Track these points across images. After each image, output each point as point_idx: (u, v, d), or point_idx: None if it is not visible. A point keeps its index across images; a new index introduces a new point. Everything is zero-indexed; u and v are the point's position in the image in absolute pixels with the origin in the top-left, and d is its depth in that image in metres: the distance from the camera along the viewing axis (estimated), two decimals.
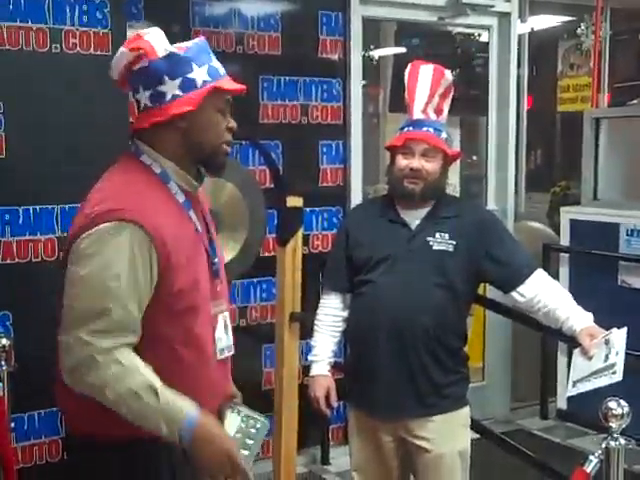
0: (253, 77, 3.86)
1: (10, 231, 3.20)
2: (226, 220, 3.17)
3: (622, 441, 2.09)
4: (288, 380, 3.42)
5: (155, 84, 1.80)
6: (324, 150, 4.12)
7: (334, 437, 4.23)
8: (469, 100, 5.15)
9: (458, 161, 4.71)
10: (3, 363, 2.76)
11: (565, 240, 4.55)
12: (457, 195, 4.28)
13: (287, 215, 3.38)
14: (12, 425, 3.00)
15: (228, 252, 3.21)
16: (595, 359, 2.30)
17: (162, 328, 1.80)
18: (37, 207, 3.24)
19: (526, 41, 5.32)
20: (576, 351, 2.38)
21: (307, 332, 3.91)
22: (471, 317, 3.96)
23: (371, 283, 2.52)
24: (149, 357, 1.75)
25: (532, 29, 5.56)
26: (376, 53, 5.36)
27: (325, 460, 4.12)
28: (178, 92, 1.79)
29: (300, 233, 3.42)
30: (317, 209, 4.09)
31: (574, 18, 5.97)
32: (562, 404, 4.64)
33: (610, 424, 2.09)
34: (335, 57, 4.10)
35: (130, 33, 3.44)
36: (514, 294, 2.52)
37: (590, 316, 2.44)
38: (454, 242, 2.48)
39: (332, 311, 2.69)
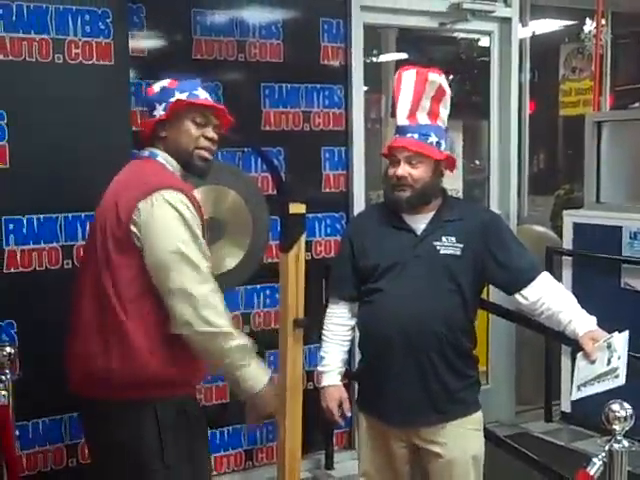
0: (255, 85, 3.89)
1: (14, 240, 3.22)
2: (229, 227, 3.19)
3: (625, 443, 2.09)
4: (292, 386, 3.42)
5: (151, 111, 2.37)
6: (326, 156, 4.13)
7: (338, 442, 4.24)
8: (471, 105, 5.16)
9: (460, 166, 4.75)
10: (8, 371, 2.77)
11: (568, 243, 4.55)
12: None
13: (290, 221, 3.38)
14: (17, 433, 3.02)
15: (231, 258, 3.22)
16: (598, 363, 2.30)
17: None
18: (40, 216, 3.25)
19: (528, 45, 5.34)
20: (579, 355, 2.37)
21: (311, 338, 3.93)
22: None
23: (379, 291, 2.50)
24: None
25: (533, 33, 5.57)
26: (377, 59, 5.37)
27: (329, 465, 4.12)
28: (162, 112, 2.34)
29: (303, 239, 3.42)
30: (320, 215, 4.10)
31: (575, 22, 5.98)
32: (566, 407, 4.64)
33: (613, 427, 2.09)
34: (337, 64, 4.12)
35: (132, 43, 3.47)
36: (517, 296, 2.51)
37: (593, 319, 2.43)
38: (461, 245, 2.47)
39: (340, 320, 2.67)
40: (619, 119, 4.79)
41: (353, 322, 2.66)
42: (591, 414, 3.91)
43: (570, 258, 4.49)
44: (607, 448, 2.10)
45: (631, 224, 4.26)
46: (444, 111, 2.57)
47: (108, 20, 3.32)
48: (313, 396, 3.96)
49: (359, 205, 4.22)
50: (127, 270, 2.17)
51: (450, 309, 2.46)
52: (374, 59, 5.25)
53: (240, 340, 2.23)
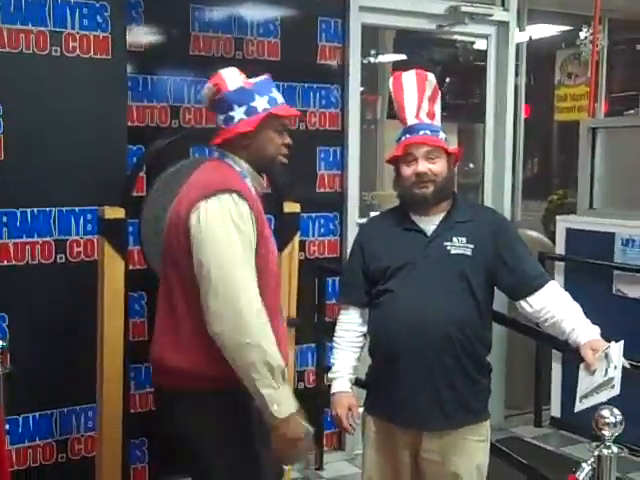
0: None
1: (7, 233, 3.20)
2: None
3: (614, 449, 2.09)
4: None
5: (227, 110, 2.32)
6: (322, 156, 4.13)
7: (328, 443, 4.24)
8: (467, 108, 5.17)
9: (455, 168, 4.75)
10: None
11: (561, 249, 4.57)
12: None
13: (284, 220, 3.39)
14: (7, 427, 3.01)
15: None
16: (597, 373, 2.28)
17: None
18: (35, 209, 3.24)
19: (524, 50, 5.35)
20: (581, 366, 2.34)
21: (303, 338, 3.93)
22: None
23: (389, 292, 2.48)
24: None
25: (530, 38, 5.59)
26: (374, 60, 5.38)
27: (319, 466, 4.11)
28: (244, 116, 2.31)
29: (297, 239, 3.43)
30: (314, 215, 4.10)
31: (572, 28, 6.00)
32: (556, 412, 4.65)
33: (603, 432, 2.09)
34: (334, 63, 4.12)
35: (130, 37, 3.47)
36: (522, 303, 2.49)
37: (596, 329, 2.40)
38: (472, 245, 2.45)
39: (351, 327, 2.63)
40: (614, 126, 4.81)
41: (364, 328, 2.62)
42: (580, 420, 3.92)
43: (562, 264, 4.50)
44: (596, 453, 2.10)
45: (623, 231, 4.27)
46: (438, 110, 2.59)
47: (106, 14, 3.31)
48: (303, 396, 3.98)
49: (353, 206, 4.22)
50: (189, 269, 2.20)
51: (462, 310, 2.43)
52: (371, 60, 5.26)
53: (273, 360, 2.16)
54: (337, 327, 2.67)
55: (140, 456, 3.64)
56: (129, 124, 3.48)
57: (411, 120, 2.52)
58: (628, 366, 2.34)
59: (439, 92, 2.60)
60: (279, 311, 2.39)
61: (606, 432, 2.09)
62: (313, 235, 4.12)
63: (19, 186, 3.20)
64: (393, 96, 2.59)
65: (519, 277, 2.48)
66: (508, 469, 3.38)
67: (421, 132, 2.47)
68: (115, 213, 3.08)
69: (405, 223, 2.53)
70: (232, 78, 2.35)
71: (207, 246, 2.16)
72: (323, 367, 4.11)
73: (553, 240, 4.72)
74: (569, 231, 4.56)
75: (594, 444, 2.10)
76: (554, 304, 2.45)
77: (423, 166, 2.45)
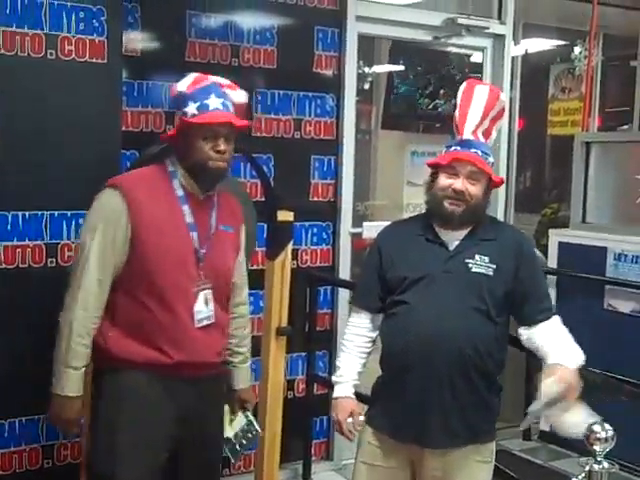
0: (247, 90, 3.83)
1: None
2: None
3: (605, 465, 2.08)
4: (273, 394, 3.41)
5: (173, 113, 2.57)
6: (316, 165, 4.12)
7: (316, 452, 4.22)
8: None
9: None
10: None
11: (553, 262, 4.57)
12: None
13: (277, 229, 3.39)
14: None
15: None
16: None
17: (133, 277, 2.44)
18: (26, 213, 3.21)
19: (519, 63, 5.36)
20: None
21: (293, 346, 3.92)
22: None
23: (405, 304, 2.44)
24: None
25: (526, 51, 5.60)
26: (370, 70, 5.39)
27: (307, 475, 4.10)
28: (178, 121, 2.51)
29: (289, 247, 3.42)
30: (307, 224, 4.09)
31: (567, 43, 6.02)
32: (545, 426, 4.64)
33: (594, 447, 2.09)
34: (330, 73, 4.12)
35: (126, 42, 3.46)
36: (521, 329, 2.49)
37: (572, 359, 2.38)
38: (494, 266, 2.41)
39: (362, 331, 2.59)
40: (609, 140, 4.83)
41: (374, 334, 2.58)
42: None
43: (554, 277, 4.50)
44: (587, 469, 2.09)
45: (616, 245, 4.28)
46: (495, 133, 2.54)
47: (102, 18, 3.29)
48: (293, 405, 3.98)
49: (346, 215, 4.22)
50: None
51: (477, 329, 2.39)
52: (366, 70, 5.26)
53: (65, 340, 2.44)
54: (347, 330, 2.63)
55: None
56: (123, 129, 3.46)
57: (467, 134, 2.46)
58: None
59: (504, 114, 2.56)
60: (180, 295, 2.45)
61: (597, 447, 2.08)
62: (306, 244, 4.11)
63: (10, 189, 3.17)
64: (458, 102, 2.52)
65: (528, 307, 2.46)
66: None
67: (472, 150, 2.42)
68: None
69: (428, 234, 2.49)
70: (184, 82, 2.49)
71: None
72: (313, 376, 4.10)
73: (545, 254, 4.72)
74: (562, 245, 4.57)
75: (585, 459, 2.10)
76: (547, 335, 2.44)
77: (462, 184, 2.40)
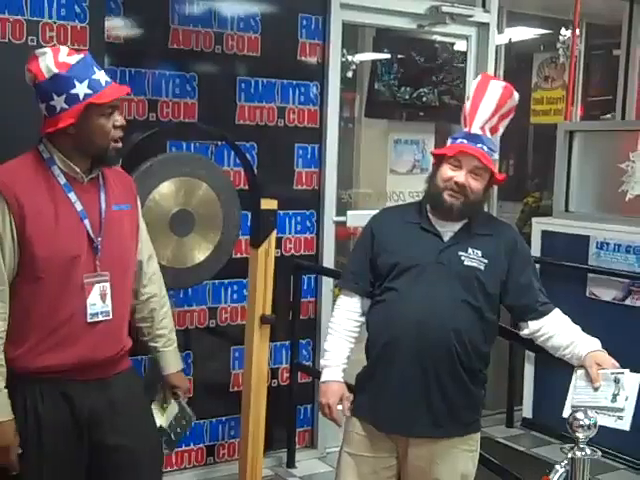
0: (231, 78, 3.86)
1: None
2: (200, 220, 3.17)
3: (588, 451, 2.10)
4: (257, 382, 3.41)
5: (47, 99, 2.23)
6: (299, 153, 4.11)
7: (300, 441, 4.23)
8: (445, 108, 5.17)
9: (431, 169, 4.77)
10: None
11: (536, 251, 4.59)
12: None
13: (261, 217, 3.37)
14: None
15: (201, 252, 3.19)
16: (601, 393, 2.24)
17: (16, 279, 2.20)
18: None
19: (502, 52, 5.37)
20: (579, 373, 2.32)
21: (277, 335, 3.92)
22: None
23: (393, 291, 2.42)
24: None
25: (510, 40, 5.61)
26: (353, 58, 5.37)
27: (291, 463, 4.11)
28: (65, 105, 2.21)
29: (273, 236, 3.41)
30: (291, 212, 4.08)
31: (550, 31, 6.03)
32: (528, 413, 4.68)
33: (577, 434, 2.10)
34: (314, 60, 4.10)
35: (108, 29, 3.42)
36: (522, 324, 2.48)
37: (597, 342, 2.38)
38: (486, 260, 2.41)
39: (351, 315, 2.56)
40: (591, 129, 4.84)
41: (363, 319, 2.55)
42: (552, 420, 3.96)
43: (537, 266, 4.51)
44: (570, 456, 2.11)
45: (598, 234, 4.31)
46: (502, 129, 2.54)
47: (84, 4, 3.26)
48: (277, 393, 3.98)
49: (330, 203, 4.21)
50: None
51: (465, 321, 2.38)
52: (350, 58, 5.24)
53: None
54: (336, 313, 2.60)
55: None
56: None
57: (475, 129, 2.46)
58: None
59: (513, 112, 2.54)
60: (73, 290, 2.24)
61: (580, 434, 2.10)
62: (289, 232, 4.11)
63: None
64: (471, 95, 2.52)
65: (525, 300, 2.45)
66: (479, 469, 3.38)
67: (479, 145, 2.41)
68: None
69: (423, 222, 2.48)
70: (47, 63, 2.22)
71: None
72: (297, 365, 4.10)
73: (528, 242, 4.73)
74: (544, 233, 4.59)
75: (568, 446, 2.11)
76: (553, 325, 2.44)
77: (465, 178, 2.39)
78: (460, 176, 2.39)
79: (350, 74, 5.25)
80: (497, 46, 4.93)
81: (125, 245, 2.40)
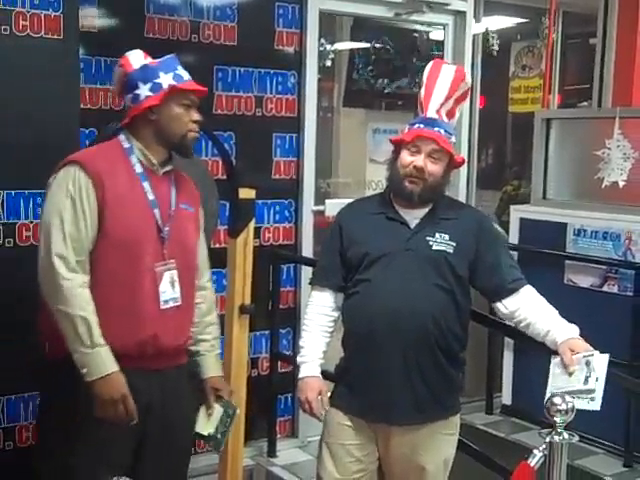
0: (208, 67, 3.83)
1: None
2: None
3: (566, 436, 2.12)
4: (237, 372, 3.40)
5: (133, 89, 2.41)
6: (278, 142, 4.10)
7: (281, 430, 4.23)
8: None
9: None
10: None
11: (514, 238, 4.61)
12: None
13: (239, 207, 3.36)
14: None
15: None
16: (575, 377, 2.28)
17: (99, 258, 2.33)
18: None
19: (480, 41, 5.37)
20: (555, 361, 2.35)
21: (256, 324, 3.92)
22: None
23: (366, 282, 2.45)
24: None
25: (487, 29, 5.60)
26: (331, 47, 5.36)
27: (272, 453, 4.11)
28: (149, 93, 2.39)
29: (252, 225, 3.40)
30: (269, 201, 4.07)
31: (527, 20, 6.04)
32: (507, 400, 4.71)
33: (555, 419, 2.12)
34: (291, 50, 4.09)
35: (83, 17, 3.39)
36: (498, 304, 2.50)
37: (574, 328, 2.41)
38: (454, 243, 2.44)
39: (324, 310, 2.58)
40: (568, 117, 4.87)
41: (337, 314, 2.58)
42: (531, 407, 3.98)
43: (516, 253, 4.54)
44: (548, 440, 2.13)
45: (575, 221, 4.33)
46: (458, 113, 2.56)
47: None
48: (257, 383, 3.97)
49: (309, 193, 4.21)
50: None
51: (438, 305, 2.41)
52: (328, 46, 5.23)
53: (78, 321, 2.28)
54: (309, 309, 2.62)
55: None
56: (82, 106, 3.40)
57: (431, 113, 2.48)
58: None
59: (467, 96, 2.58)
60: (145, 275, 2.36)
61: (557, 419, 2.12)
62: (268, 222, 4.10)
63: None
64: (424, 81, 2.54)
65: (496, 279, 2.48)
66: (459, 456, 3.40)
67: (436, 129, 2.44)
68: None
69: (389, 212, 2.50)
70: (136, 58, 2.45)
71: (43, 211, 2.38)
72: (277, 354, 4.10)
73: (507, 230, 4.76)
74: (523, 221, 4.61)
75: (546, 431, 2.13)
76: (529, 307, 2.46)
77: (423, 162, 2.41)
78: (419, 160, 2.42)
79: (328, 63, 5.24)
80: (475, 35, 4.94)
81: (189, 241, 2.54)
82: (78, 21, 3.32)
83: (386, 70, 4.83)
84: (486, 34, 5.20)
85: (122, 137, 2.45)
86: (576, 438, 2.15)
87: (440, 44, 4.80)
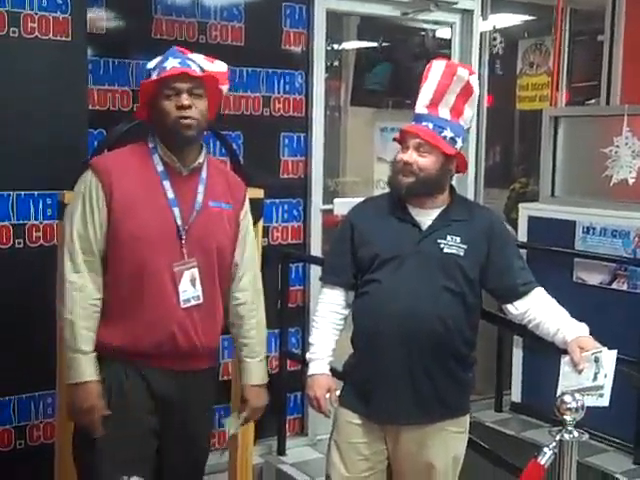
0: None
1: None
2: None
3: (576, 434, 2.12)
4: None
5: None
6: (285, 142, 4.11)
7: (290, 428, 4.24)
8: None
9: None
10: None
11: (523, 236, 4.60)
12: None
13: None
14: None
15: None
16: (584, 375, 2.28)
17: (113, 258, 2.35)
18: None
19: (487, 39, 5.36)
20: (565, 360, 2.34)
21: (266, 323, 3.91)
22: None
23: (376, 283, 2.44)
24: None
25: (494, 27, 5.60)
26: (338, 47, 5.36)
27: (281, 451, 4.12)
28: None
29: (260, 225, 3.41)
30: (277, 201, 4.08)
31: (534, 17, 6.03)
32: (516, 397, 4.70)
33: (565, 417, 2.12)
34: (298, 49, 4.09)
35: (91, 19, 3.40)
36: (509, 306, 2.50)
37: (584, 327, 2.40)
38: (465, 246, 2.43)
39: (335, 307, 2.58)
40: (576, 115, 4.85)
41: (347, 312, 2.58)
42: (541, 404, 3.98)
43: (524, 251, 4.54)
44: (558, 438, 2.13)
45: (584, 219, 4.32)
46: (469, 110, 2.52)
47: None
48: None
49: (317, 192, 4.21)
50: None
51: (448, 309, 2.40)
52: (335, 46, 5.24)
53: (68, 326, 2.31)
54: (320, 307, 2.62)
55: None
56: (90, 108, 3.42)
57: (419, 109, 2.48)
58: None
59: (474, 91, 2.51)
60: (163, 274, 2.34)
61: (568, 417, 2.12)
62: (277, 221, 4.11)
63: None
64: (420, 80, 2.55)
65: (507, 282, 2.47)
66: (469, 454, 3.40)
67: (423, 123, 2.44)
68: None
69: (400, 213, 2.49)
70: (152, 61, 2.47)
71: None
72: (286, 353, 4.11)
73: (515, 228, 4.75)
74: (531, 219, 4.60)
75: (556, 429, 2.13)
76: (539, 307, 2.45)
77: (410, 156, 2.42)
78: (406, 155, 2.43)
79: (336, 62, 5.25)
80: (482, 33, 4.93)
81: (217, 239, 2.44)
82: (86, 23, 3.34)
83: (393, 69, 4.83)
84: (492, 32, 5.20)
85: (150, 137, 2.45)
86: (586, 436, 2.16)
87: (448, 42, 4.79)
